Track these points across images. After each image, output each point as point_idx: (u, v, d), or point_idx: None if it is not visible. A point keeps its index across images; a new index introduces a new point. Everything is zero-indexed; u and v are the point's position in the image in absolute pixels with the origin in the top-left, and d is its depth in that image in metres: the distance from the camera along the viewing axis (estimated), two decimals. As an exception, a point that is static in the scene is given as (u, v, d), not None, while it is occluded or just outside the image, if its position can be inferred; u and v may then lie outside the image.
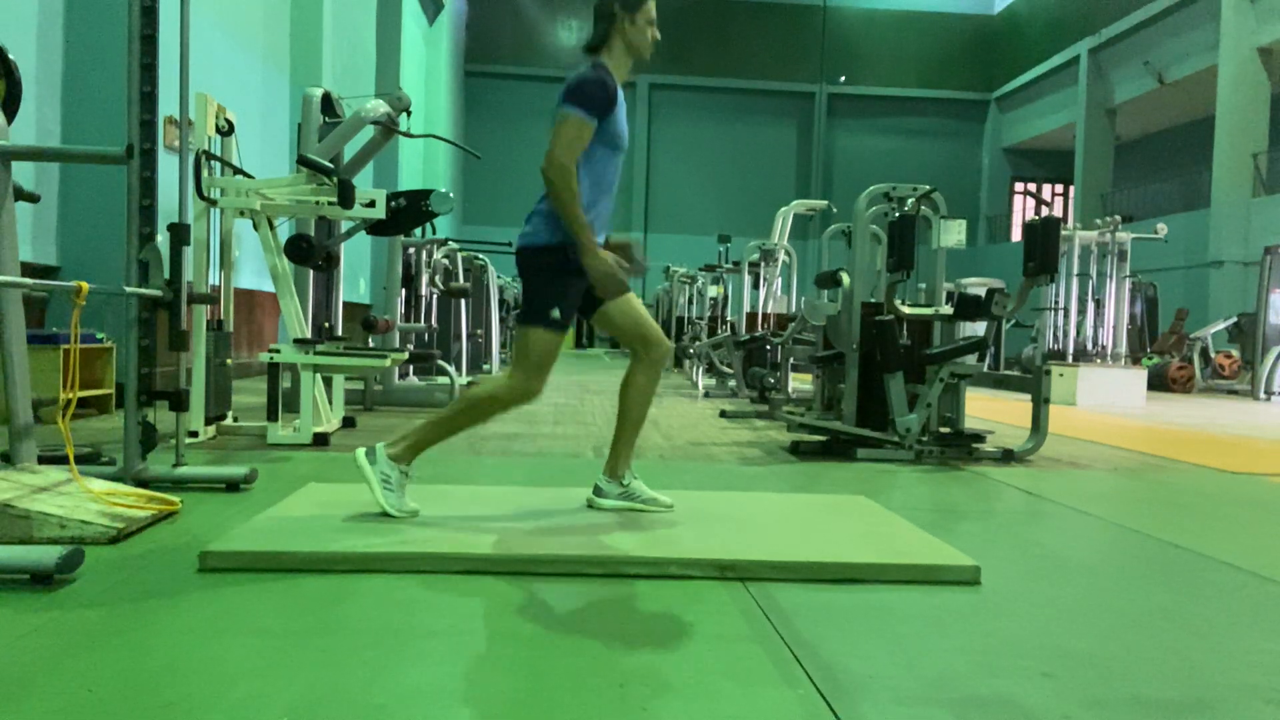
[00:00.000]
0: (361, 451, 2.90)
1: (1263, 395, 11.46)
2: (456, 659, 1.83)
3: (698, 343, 10.75)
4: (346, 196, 4.66)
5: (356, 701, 1.60)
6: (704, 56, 28.20)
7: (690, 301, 14.05)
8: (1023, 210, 29.53)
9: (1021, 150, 28.97)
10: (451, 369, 7.47)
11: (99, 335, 5.96)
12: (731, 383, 9.47)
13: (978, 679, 1.82)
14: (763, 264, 10.70)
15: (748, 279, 10.62)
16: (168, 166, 3.79)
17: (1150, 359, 13.07)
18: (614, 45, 2.95)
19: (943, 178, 27.54)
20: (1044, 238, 4.65)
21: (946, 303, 5.40)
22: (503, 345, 14.14)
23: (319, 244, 5.12)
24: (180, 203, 3.47)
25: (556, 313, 2.85)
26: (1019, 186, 29.53)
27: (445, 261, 8.87)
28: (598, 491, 3.12)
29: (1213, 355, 13.37)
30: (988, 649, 1.99)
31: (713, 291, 12.65)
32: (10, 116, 3.20)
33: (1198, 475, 4.77)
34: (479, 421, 2.95)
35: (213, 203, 4.75)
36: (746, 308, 10.58)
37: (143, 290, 3.22)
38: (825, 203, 10.80)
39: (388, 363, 5.01)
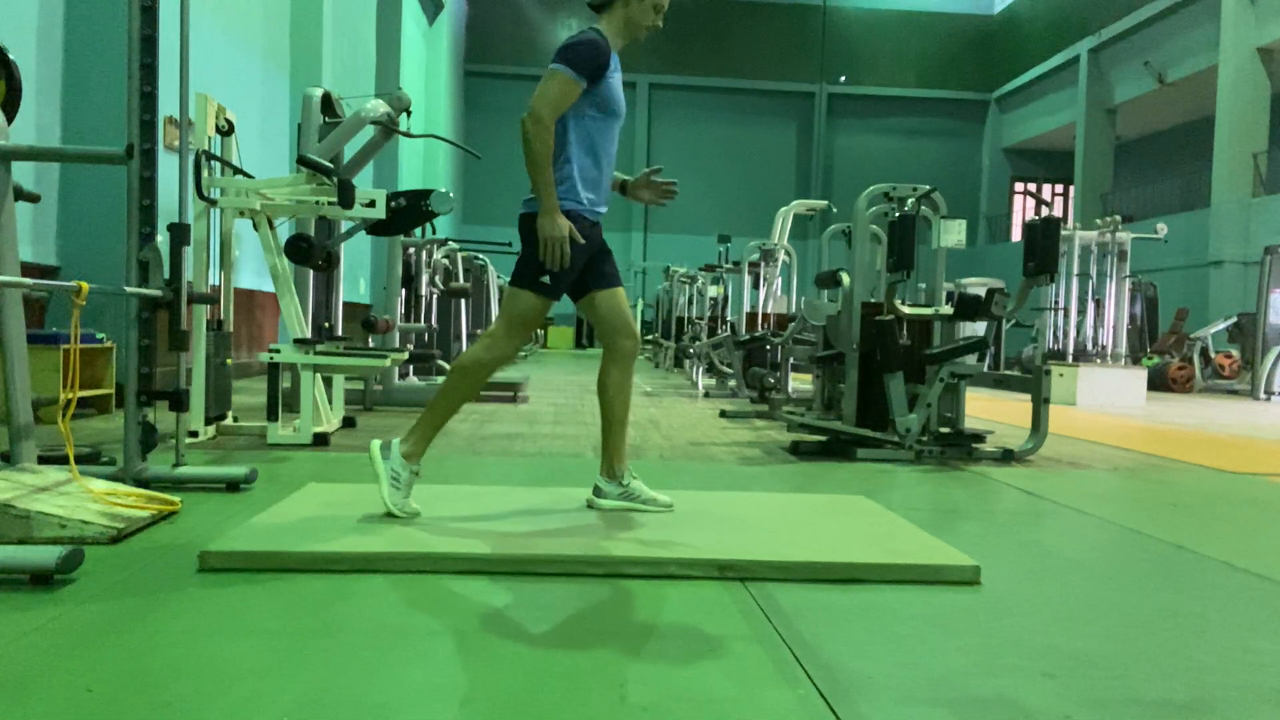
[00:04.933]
0: (377, 445, 2.90)
1: (1263, 395, 11.46)
2: (456, 659, 1.83)
3: (698, 343, 10.75)
4: (346, 196, 4.66)
5: (356, 701, 1.60)
6: (704, 56, 28.22)
7: (690, 301, 14.04)
8: (1023, 210, 29.53)
9: (1021, 150, 28.98)
10: (451, 369, 7.46)
11: (99, 335, 5.96)
12: (731, 383, 9.47)
13: (978, 679, 1.82)
14: (763, 264, 10.70)
15: (748, 279, 10.61)
16: (168, 166, 3.79)
17: (1150, 359, 13.07)
18: (615, 13, 2.92)
19: (943, 178, 27.55)
20: (1044, 238, 4.65)
21: (946, 303, 5.40)
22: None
23: (319, 244, 5.11)
24: (180, 203, 3.47)
25: (547, 279, 2.86)
26: (1019, 186, 29.53)
27: (445, 261, 8.88)
28: (597, 492, 3.12)
29: (1213, 355, 13.37)
30: (988, 649, 1.99)
31: (713, 291, 12.65)
32: (10, 116, 3.19)
33: (1198, 475, 4.77)
34: (472, 389, 2.92)
35: (213, 203, 4.75)
36: (746, 308, 10.58)
37: (143, 290, 3.22)
38: (825, 203, 10.79)
39: (388, 363, 5.01)
